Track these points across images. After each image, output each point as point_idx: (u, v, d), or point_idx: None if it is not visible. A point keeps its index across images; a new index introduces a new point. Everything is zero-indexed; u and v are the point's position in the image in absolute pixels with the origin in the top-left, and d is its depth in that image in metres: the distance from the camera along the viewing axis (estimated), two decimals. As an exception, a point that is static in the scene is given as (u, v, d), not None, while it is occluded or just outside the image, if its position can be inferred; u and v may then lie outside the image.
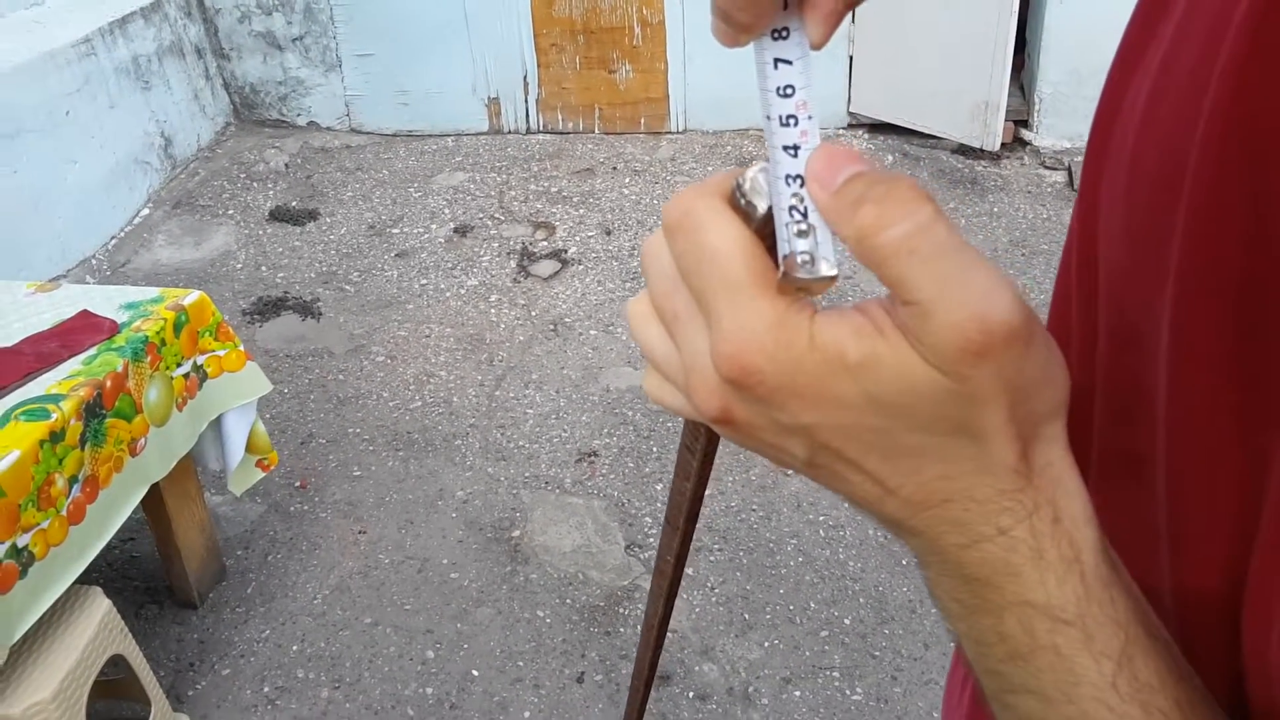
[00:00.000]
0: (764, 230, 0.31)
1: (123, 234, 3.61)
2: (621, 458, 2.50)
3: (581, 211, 3.66)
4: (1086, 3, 3.64)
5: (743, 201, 0.31)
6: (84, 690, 1.57)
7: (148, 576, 2.17)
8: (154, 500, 1.97)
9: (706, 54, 4.09)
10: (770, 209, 0.30)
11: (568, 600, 2.10)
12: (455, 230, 3.58)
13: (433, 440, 2.59)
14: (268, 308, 3.18)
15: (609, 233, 3.52)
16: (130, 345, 1.80)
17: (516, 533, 2.27)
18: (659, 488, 2.39)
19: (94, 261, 3.45)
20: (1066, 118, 3.88)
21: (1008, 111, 3.87)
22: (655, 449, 2.52)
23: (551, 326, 3.04)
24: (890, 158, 3.96)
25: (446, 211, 3.70)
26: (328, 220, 3.69)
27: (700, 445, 0.41)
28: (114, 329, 1.84)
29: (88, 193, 3.52)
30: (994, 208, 3.62)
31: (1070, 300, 0.46)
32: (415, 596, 2.12)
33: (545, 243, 3.48)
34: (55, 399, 1.64)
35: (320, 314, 3.16)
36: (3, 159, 3.16)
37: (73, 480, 1.64)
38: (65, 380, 1.70)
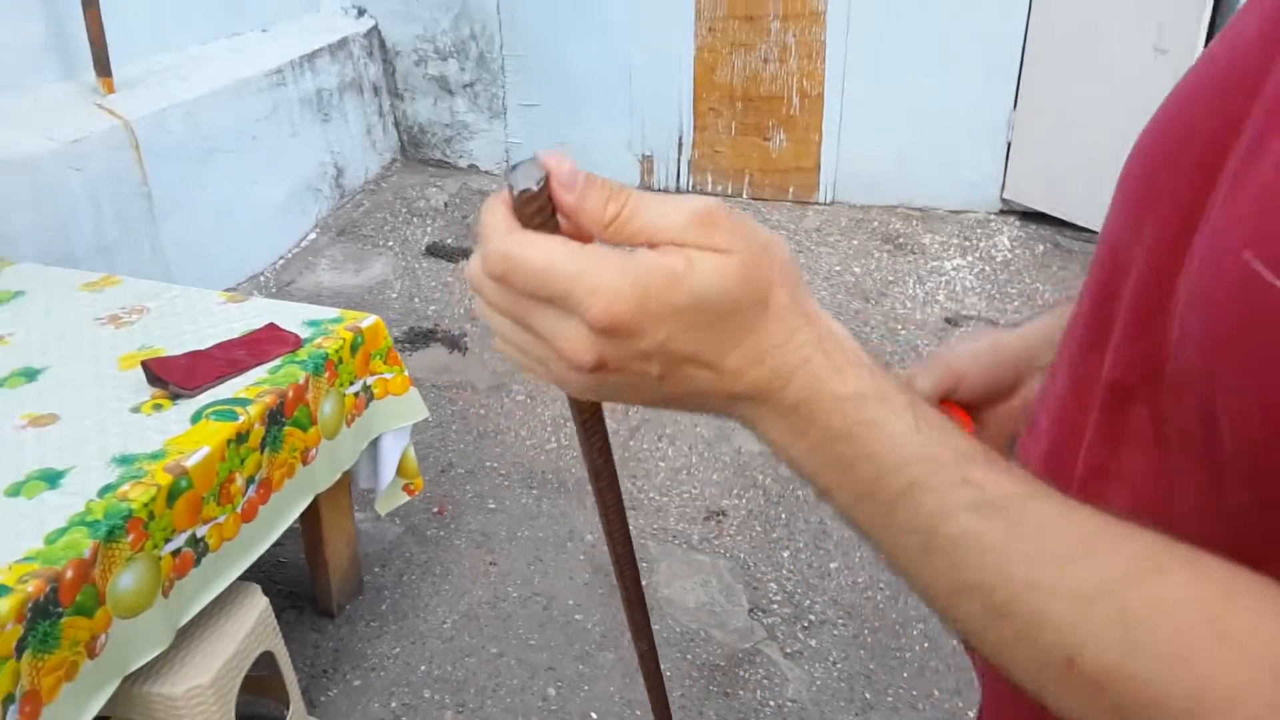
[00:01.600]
0: (541, 201, 0.41)
1: (290, 254, 3.82)
2: (750, 520, 2.51)
3: (725, 273, 3.71)
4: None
5: (516, 192, 0.41)
6: (237, 681, 1.66)
7: (291, 582, 2.27)
8: (310, 510, 2.07)
9: (861, 129, 4.12)
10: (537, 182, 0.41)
11: (689, 656, 2.11)
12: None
13: (565, 482, 2.65)
14: (418, 338, 3.32)
15: (751, 296, 3.56)
16: (312, 360, 1.91)
17: (644, 581, 2.29)
18: (785, 554, 2.39)
19: (262, 278, 3.66)
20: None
21: (1168, 212, 3.78)
22: (784, 515, 2.52)
23: (688, 383, 3.08)
24: (1042, 247, 3.91)
25: (593, 260, 3.80)
26: (480, 259, 3.83)
27: (582, 413, 0.52)
28: (298, 343, 1.96)
29: (264, 213, 3.75)
30: (1147, 308, 3.53)
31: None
32: (540, 633, 2.16)
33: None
34: (243, 403, 1.75)
35: (466, 349, 3.28)
36: (196, 175, 3.40)
37: (250, 480, 1.74)
38: (252, 386, 1.81)
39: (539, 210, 0.42)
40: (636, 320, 0.40)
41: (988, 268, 3.78)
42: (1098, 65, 3.60)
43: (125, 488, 1.52)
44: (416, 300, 3.55)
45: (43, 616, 1.34)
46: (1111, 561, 0.39)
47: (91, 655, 1.42)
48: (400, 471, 2.17)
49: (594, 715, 1.97)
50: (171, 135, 3.29)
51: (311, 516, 2.10)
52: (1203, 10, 3.20)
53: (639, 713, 1.98)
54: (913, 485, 0.41)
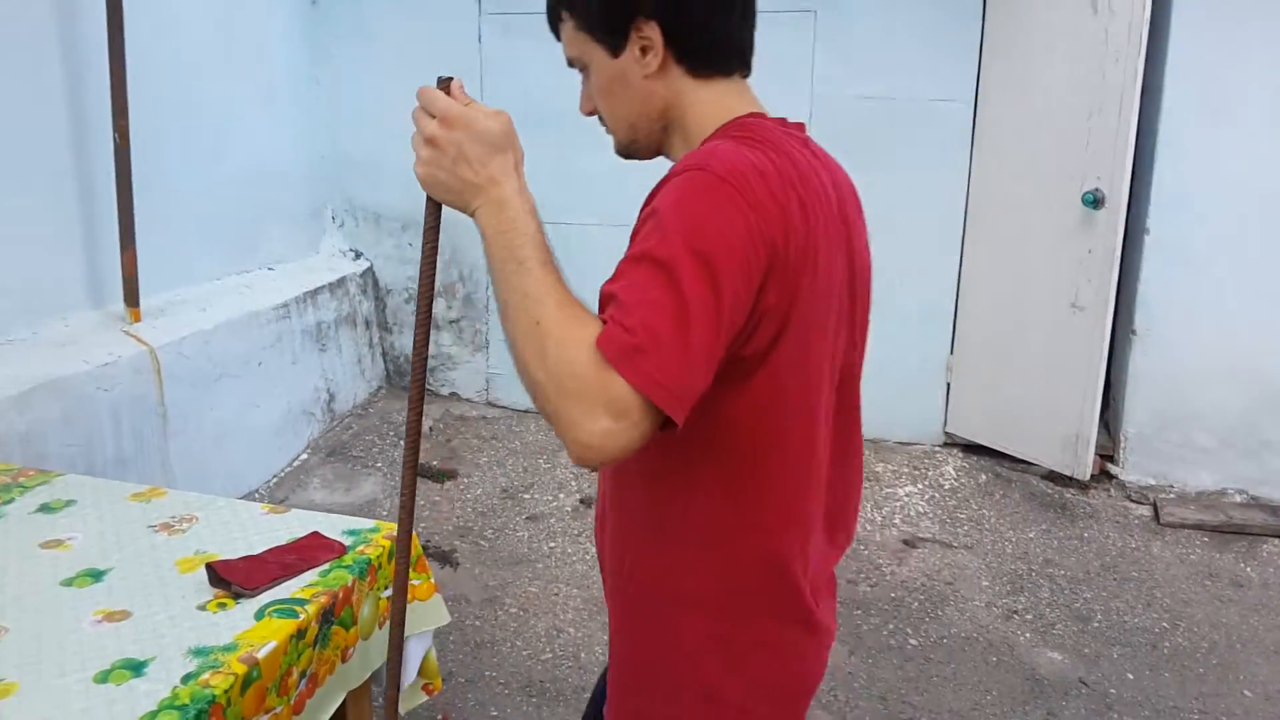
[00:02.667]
0: (443, 89, 1.14)
1: (283, 473, 4.00)
2: (741, 727, 2.65)
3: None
4: (1169, 354, 4.05)
5: (439, 81, 1.15)
6: None
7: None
8: (337, 709, 2.19)
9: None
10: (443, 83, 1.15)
11: None
12: (581, 501, 3.90)
13: (563, 690, 2.78)
14: (411, 553, 3.47)
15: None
16: (357, 565, 2.10)
17: None
18: (777, 760, 2.53)
19: (257, 495, 3.82)
20: (1150, 457, 4.19)
21: (1097, 446, 4.21)
22: None
23: (671, 598, 3.26)
24: (984, 476, 4.26)
25: (573, 483, 4.04)
26: (465, 480, 4.06)
27: (431, 218, 1.20)
28: (343, 550, 2.14)
29: (261, 434, 3.95)
30: (1084, 533, 3.85)
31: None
32: (551, 835, 2.25)
33: (665, 521, 3.77)
34: (301, 602, 1.92)
35: (458, 564, 3.44)
36: (206, 397, 3.62)
37: (303, 674, 1.89)
38: (306, 588, 1.98)
39: (444, 91, 1.12)
40: (457, 120, 1.08)
41: (937, 494, 4.11)
42: (1023, 319, 4.09)
43: (206, 676, 1.67)
44: (407, 518, 3.73)
45: (140, 792, 1.46)
46: (563, 304, 1.02)
47: (172, 834, 1.53)
48: (421, 672, 2.31)
49: None
50: (188, 360, 3.54)
51: (338, 715, 2.21)
52: (1112, 272, 3.72)
53: None
54: (526, 259, 1.04)
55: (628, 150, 1.30)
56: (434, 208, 1.17)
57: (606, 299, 1.02)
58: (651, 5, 1.16)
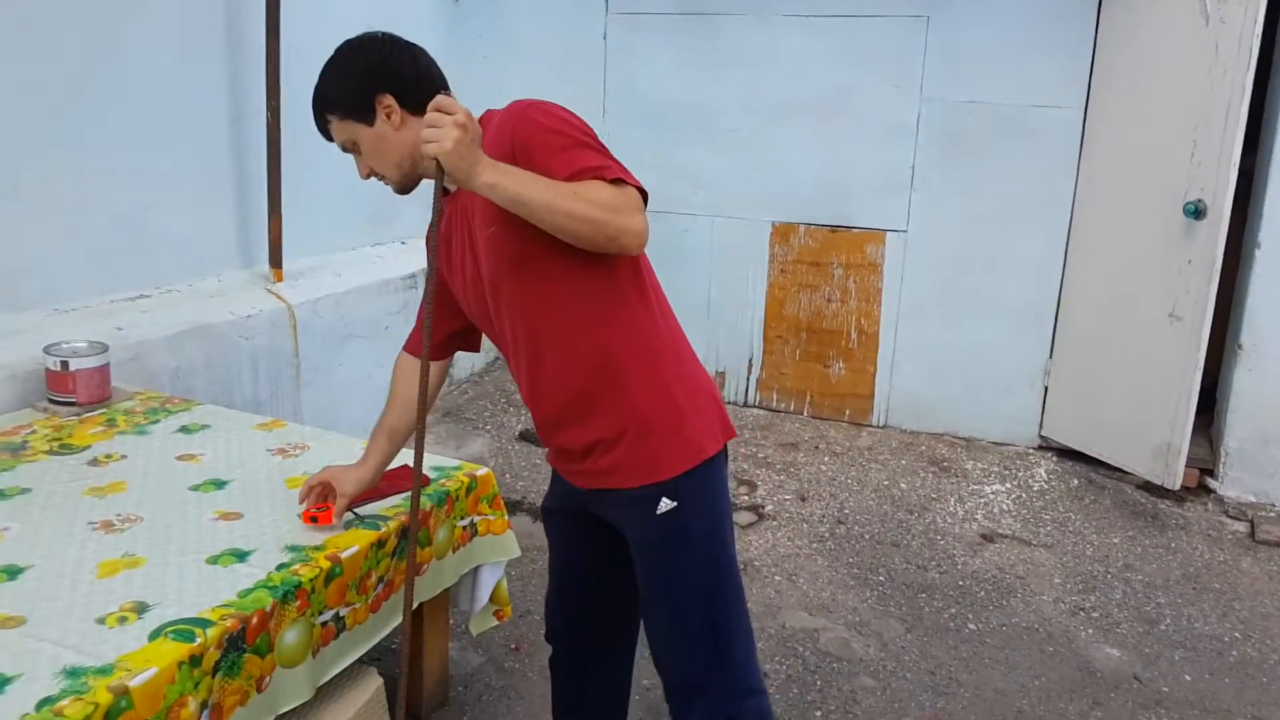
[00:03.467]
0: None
1: (401, 430, 4.35)
2: (788, 684, 2.82)
3: (782, 478, 4.14)
4: (1275, 370, 3.98)
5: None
6: (352, 742, 2.02)
7: (387, 687, 2.62)
8: (416, 622, 2.48)
9: (912, 364, 4.62)
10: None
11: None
12: (670, 474, 4.11)
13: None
14: (507, 507, 3.75)
15: (804, 499, 3.97)
16: (436, 495, 2.37)
17: (689, 723, 2.61)
18: (818, 715, 2.69)
19: (376, 447, 4.18)
20: (1252, 473, 4.11)
21: (1196, 460, 4.16)
22: (819, 682, 2.83)
23: (742, 566, 3.44)
24: (1076, 481, 4.27)
25: (665, 458, 4.26)
26: (565, 448, 4.33)
27: (440, 182, 1.65)
28: (426, 481, 2.42)
29: (384, 392, 4.29)
30: (1171, 543, 3.83)
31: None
32: (596, 755, 2.47)
33: (746, 497, 3.96)
34: (385, 519, 2.20)
35: (548, 520, 3.70)
36: (336, 354, 4.00)
37: (380, 579, 2.17)
38: (390, 508, 2.26)
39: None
40: (469, 117, 1.50)
41: (1024, 494, 4.14)
42: (1122, 326, 4.09)
43: (296, 566, 1.96)
44: (508, 476, 4.03)
45: (233, 648, 1.76)
46: (569, 184, 1.55)
47: (259, 690, 1.82)
48: (493, 599, 2.58)
49: (638, 826, 2.26)
50: (321, 319, 3.92)
51: (416, 629, 2.50)
52: (1211, 284, 3.69)
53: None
54: (536, 178, 1.54)
55: (403, 187, 1.86)
56: (441, 175, 1.59)
57: (579, 173, 1.57)
58: (381, 84, 1.74)
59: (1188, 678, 2.98)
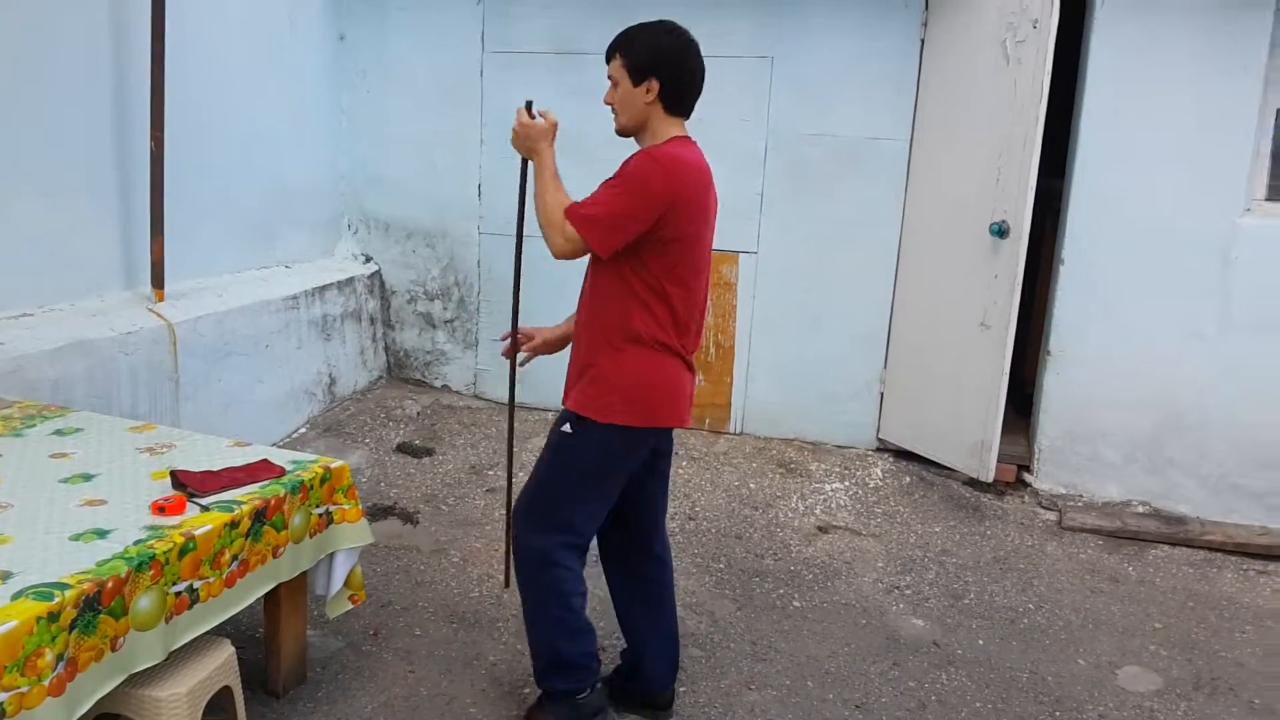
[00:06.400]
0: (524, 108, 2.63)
1: (282, 442, 4.58)
2: (619, 657, 3.12)
3: (641, 480, 4.47)
4: (1080, 374, 4.46)
5: (525, 103, 2.61)
6: (203, 700, 2.27)
7: (251, 669, 2.86)
8: (272, 606, 2.73)
9: (766, 376, 5.01)
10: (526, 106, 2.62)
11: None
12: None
13: (480, 620, 3.28)
14: (379, 512, 4.02)
15: (659, 499, 4.30)
16: (291, 483, 2.63)
17: (527, 690, 2.90)
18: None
19: (256, 459, 4.39)
20: (1061, 468, 4.58)
21: (1015, 457, 4.62)
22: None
23: (594, 559, 3.75)
24: (908, 479, 4.68)
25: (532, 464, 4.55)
26: (440, 458, 4.60)
27: (523, 168, 2.76)
28: (281, 472, 2.68)
29: (265, 407, 4.54)
30: (988, 531, 4.26)
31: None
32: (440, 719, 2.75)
33: (605, 498, 4.27)
34: (239, 504, 2.46)
35: (418, 522, 3.98)
36: (216, 370, 4.22)
37: (234, 557, 2.42)
38: (246, 495, 2.52)
39: (527, 108, 2.58)
40: (520, 127, 2.56)
41: (861, 491, 4.54)
42: (942, 336, 4.53)
43: (152, 542, 2.21)
44: (382, 484, 4.28)
45: (89, 609, 2.00)
46: (559, 191, 2.51)
47: (114, 649, 2.07)
48: (348, 584, 2.84)
49: (471, 774, 2.54)
50: (202, 337, 4.14)
51: (272, 613, 2.75)
52: (1013, 296, 4.15)
53: (506, 774, 2.54)
54: (550, 176, 2.51)
55: (622, 132, 2.58)
56: (524, 164, 2.71)
57: (585, 198, 2.46)
58: (659, 73, 2.48)
59: (980, 642, 3.38)
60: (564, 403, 2.64)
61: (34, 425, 2.92)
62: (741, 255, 5.00)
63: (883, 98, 4.70)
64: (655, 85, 2.46)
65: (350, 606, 2.89)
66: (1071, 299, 4.48)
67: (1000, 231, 4.18)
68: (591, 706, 2.65)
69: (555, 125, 2.55)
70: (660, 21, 2.52)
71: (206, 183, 4.38)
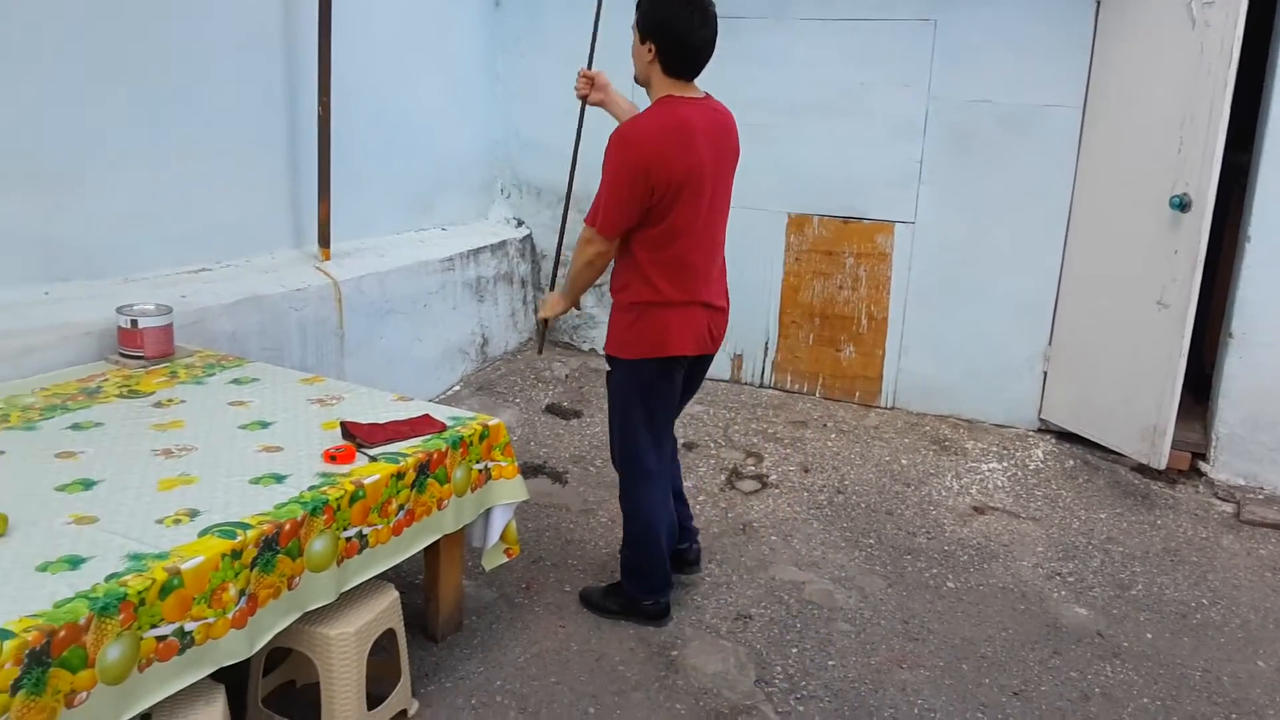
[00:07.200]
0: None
1: (438, 398, 4.70)
2: (770, 626, 3.09)
3: (789, 451, 4.41)
4: (1264, 360, 4.15)
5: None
6: (369, 640, 2.35)
7: (409, 614, 2.95)
8: (432, 558, 2.81)
9: (920, 349, 4.86)
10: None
11: (701, 703, 2.69)
12: (684, 445, 4.41)
13: (628, 582, 3.29)
14: (529, 470, 4.09)
15: (807, 471, 4.23)
16: (452, 439, 2.69)
17: (675, 652, 2.90)
18: (794, 651, 2.96)
19: (412, 415, 4.53)
20: (1241, 457, 4.29)
21: (1190, 444, 4.35)
22: (799, 625, 3.10)
23: (741, 527, 3.73)
24: (1071, 462, 4.47)
25: (680, 431, 4.55)
26: (588, 419, 4.65)
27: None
28: (443, 427, 2.74)
29: (422, 364, 4.67)
30: (1157, 520, 4.03)
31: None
32: (589, 674, 2.78)
33: (753, 467, 4.24)
34: (403, 456, 2.53)
35: (566, 482, 4.02)
36: (377, 327, 4.35)
37: (400, 507, 2.49)
38: (410, 448, 2.59)
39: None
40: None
41: (1020, 473, 4.37)
42: (1115, 315, 4.29)
43: (325, 488, 2.29)
44: (532, 444, 4.35)
45: (268, 549, 2.09)
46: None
47: (290, 588, 2.16)
48: (503, 538, 2.89)
49: (620, 732, 2.56)
50: (365, 295, 4.28)
51: (432, 562, 2.82)
52: (1195, 273, 3.88)
53: (655, 735, 2.55)
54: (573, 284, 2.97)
55: (637, 82, 2.81)
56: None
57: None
58: (656, 39, 2.67)
59: (1149, 635, 3.20)
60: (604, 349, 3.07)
61: (214, 374, 3.07)
62: (898, 225, 4.84)
63: (1053, 63, 4.46)
64: (654, 48, 2.68)
65: (505, 560, 2.94)
66: (1257, 278, 4.17)
67: (1181, 204, 3.91)
68: (653, 611, 3.07)
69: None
70: None
71: (368, 147, 4.50)
